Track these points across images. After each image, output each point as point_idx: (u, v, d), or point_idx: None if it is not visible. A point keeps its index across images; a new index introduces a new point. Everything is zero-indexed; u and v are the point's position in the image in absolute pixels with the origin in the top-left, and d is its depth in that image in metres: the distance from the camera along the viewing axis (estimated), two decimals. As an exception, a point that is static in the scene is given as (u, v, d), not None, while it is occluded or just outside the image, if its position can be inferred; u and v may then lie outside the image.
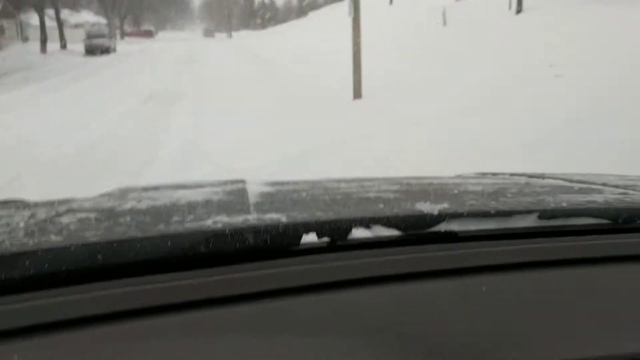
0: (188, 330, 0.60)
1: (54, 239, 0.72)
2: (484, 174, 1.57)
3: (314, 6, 63.58)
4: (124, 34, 52.25)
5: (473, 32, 14.94)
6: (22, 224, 0.88)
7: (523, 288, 0.69)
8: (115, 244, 0.69)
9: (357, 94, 11.37)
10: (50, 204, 1.18)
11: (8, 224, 0.92)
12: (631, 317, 0.66)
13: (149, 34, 58.48)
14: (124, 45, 37.83)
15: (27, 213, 1.03)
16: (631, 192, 1.04)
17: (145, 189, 1.16)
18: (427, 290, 0.67)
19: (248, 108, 11.12)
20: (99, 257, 0.66)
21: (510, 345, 0.59)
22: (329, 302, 0.65)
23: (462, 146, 6.54)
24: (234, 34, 54.94)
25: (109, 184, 1.46)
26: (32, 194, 1.54)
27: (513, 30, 13.81)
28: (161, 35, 64.30)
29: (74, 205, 0.98)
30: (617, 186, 1.12)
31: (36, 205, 1.19)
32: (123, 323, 0.59)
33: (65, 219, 0.85)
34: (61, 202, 1.18)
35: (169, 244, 0.70)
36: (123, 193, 1.13)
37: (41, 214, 1.00)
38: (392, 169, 5.87)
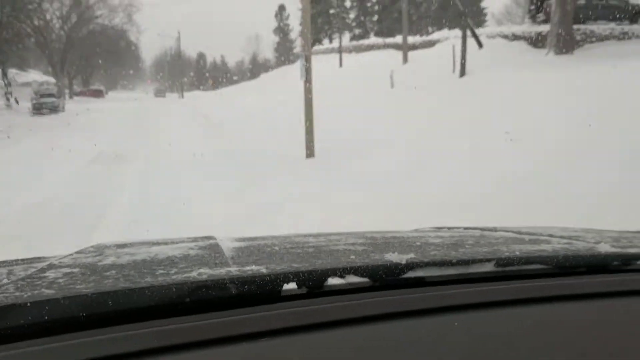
0: None
1: (47, 292, 0.75)
2: (439, 228, 1.66)
3: (266, 68, 64.90)
4: (73, 94, 51.77)
5: (419, 94, 15.54)
6: (5, 280, 0.90)
7: (486, 325, 0.77)
8: (109, 295, 0.73)
9: (310, 153, 11.58)
10: (22, 262, 1.20)
11: None
12: (578, 349, 0.74)
13: (99, 94, 58.06)
14: (73, 105, 37.41)
15: (3, 270, 1.05)
16: (575, 242, 1.15)
17: (120, 246, 1.20)
18: (400, 329, 0.74)
19: (196, 169, 11.13)
20: (95, 306, 0.70)
21: None
22: (311, 342, 0.71)
23: (403, 206, 6.78)
24: (185, 94, 55.18)
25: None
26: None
27: (457, 92, 14.44)
28: (112, 94, 63.99)
29: (55, 262, 1.01)
30: (562, 237, 1.23)
31: (6, 263, 1.20)
32: None
33: (50, 274, 0.88)
34: (34, 260, 1.20)
35: (159, 294, 0.75)
36: (98, 250, 1.16)
37: (19, 270, 1.02)
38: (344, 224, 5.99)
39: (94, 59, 53.83)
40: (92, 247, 1.21)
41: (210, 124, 21.09)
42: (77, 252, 1.14)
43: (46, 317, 0.68)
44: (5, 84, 33.54)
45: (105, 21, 52.18)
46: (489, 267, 0.91)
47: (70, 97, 49.15)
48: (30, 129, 20.66)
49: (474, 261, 0.91)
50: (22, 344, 0.65)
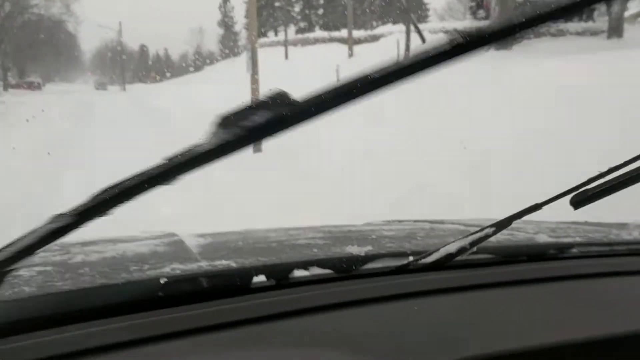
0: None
1: (28, 290, 0.78)
2: (390, 221, 1.75)
3: (210, 61, 64.06)
4: (7, 86, 49.65)
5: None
6: None
7: (440, 310, 0.85)
8: (90, 290, 0.77)
9: (257, 147, 11.56)
10: None
11: None
12: (521, 330, 0.83)
13: (35, 86, 55.90)
14: (7, 97, 35.87)
15: None
16: (516, 233, 1.25)
17: (85, 244, 1.22)
18: (362, 316, 0.81)
19: (140, 161, 10.90)
20: (77, 302, 0.74)
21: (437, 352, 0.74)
22: (282, 330, 0.77)
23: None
24: (128, 87, 53.77)
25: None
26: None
27: (403, 89, 14.69)
28: (49, 87, 61.61)
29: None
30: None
31: None
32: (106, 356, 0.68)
33: (25, 273, 0.91)
34: None
35: (136, 289, 0.79)
36: (64, 248, 1.18)
37: None
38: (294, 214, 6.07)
39: (29, 50, 51.78)
40: (55, 245, 1.23)
41: (156, 117, 20.65)
42: (42, 251, 1.16)
43: (38, 313, 0.72)
44: None
45: (42, 11, 50.24)
46: (438, 257, 1.00)
47: (5, 89, 47.16)
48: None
49: (425, 252, 1.00)
50: (3, 341, 0.68)
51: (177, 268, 0.88)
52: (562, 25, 21.12)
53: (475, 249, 1.04)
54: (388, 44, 21.78)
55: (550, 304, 0.92)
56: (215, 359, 0.70)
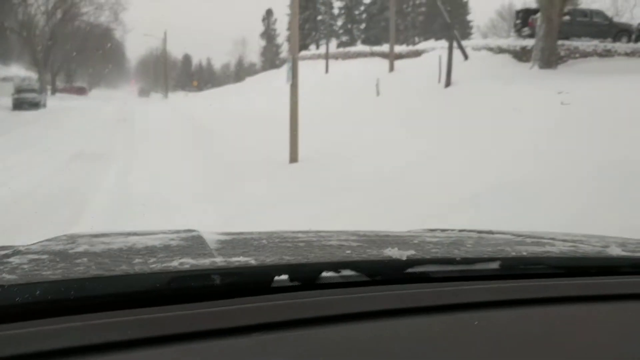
0: None
1: (8, 277, 0.67)
2: (433, 230, 1.60)
3: (251, 72, 64.72)
4: (55, 90, 51.03)
5: (405, 103, 15.56)
6: None
7: (495, 324, 0.70)
8: (78, 282, 0.65)
9: (294, 157, 11.50)
10: None
11: None
12: (592, 351, 0.68)
13: (82, 91, 57.42)
14: (55, 101, 36.82)
15: None
16: (580, 245, 1.09)
17: (95, 235, 1.12)
18: (402, 327, 0.67)
19: (179, 171, 10.99)
20: (62, 293, 0.62)
21: None
22: (305, 337, 0.63)
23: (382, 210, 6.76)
24: (170, 94, 54.65)
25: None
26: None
27: (441, 102, 14.48)
28: (95, 92, 63.21)
29: (21, 249, 0.93)
30: (565, 240, 1.17)
31: None
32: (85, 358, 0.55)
33: (15, 260, 0.80)
34: (1, 248, 1.11)
35: (135, 283, 0.67)
36: (71, 239, 1.07)
37: None
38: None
39: (78, 56, 53.17)
40: (64, 235, 1.13)
41: (195, 125, 20.87)
42: (47, 240, 1.06)
43: (10, 303, 0.60)
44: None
45: (91, 19, 51.65)
46: (494, 266, 0.85)
47: (53, 93, 48.43)
48: (9, 125, 20.27)
49: (479, 260, 0.85)
50: None
51: (187, 263, 0.75)
52: (610, 45, 20.56)
53: (536, 259, 0.89)
54: (430, 59, 21.52)
55: (627, 324, 0.76)
56: None
